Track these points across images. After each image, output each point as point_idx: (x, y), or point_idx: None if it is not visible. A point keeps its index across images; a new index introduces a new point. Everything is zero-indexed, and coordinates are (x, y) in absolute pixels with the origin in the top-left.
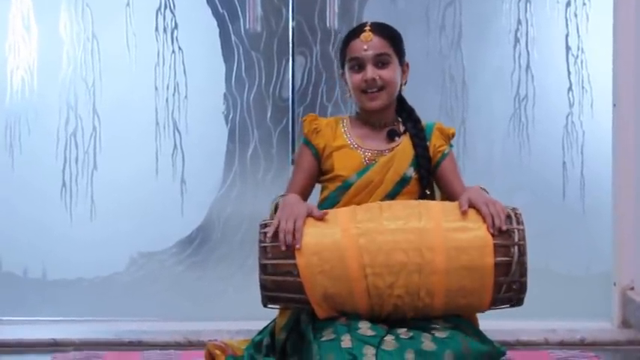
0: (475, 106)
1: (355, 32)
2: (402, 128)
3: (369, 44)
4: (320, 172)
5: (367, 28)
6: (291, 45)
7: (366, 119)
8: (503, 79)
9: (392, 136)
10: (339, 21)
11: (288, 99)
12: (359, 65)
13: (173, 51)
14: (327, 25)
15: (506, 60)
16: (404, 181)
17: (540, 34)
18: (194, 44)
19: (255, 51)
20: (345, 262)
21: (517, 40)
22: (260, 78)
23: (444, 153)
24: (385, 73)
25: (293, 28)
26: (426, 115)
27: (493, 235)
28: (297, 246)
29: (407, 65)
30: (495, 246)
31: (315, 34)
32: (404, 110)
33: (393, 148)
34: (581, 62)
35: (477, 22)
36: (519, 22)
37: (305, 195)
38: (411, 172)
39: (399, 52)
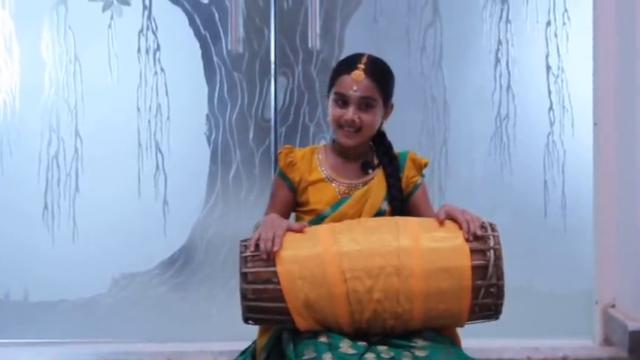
0: (456, 126)
1: (349, 66)
2: (375, 160)
3: (358, 85)
4: (295, 203)
5: (361, 66)
6: (273, 65)
7: (341, 149)
8: (484, 98)
9: (366, 168)
10: (320, 41)
11: (270, 119)
12: (343, 101)
13: (155, 72)
14: (309, 45)
15: (487, 80)
16: (378, 214)
17: (521, 54)
18: (176, 65)
19: (237, 72)
20: (324, 267)
21: (498, 60)
22: (242, 99)
23: (417, 184)
24: (366, 117)
25: (275, 49)
26: (408, 135)
27: (469, 241)
28: (275, 248)
29: (391, 106)
30: (472, 250)
31: (297, 54)
32: (382, 145)
33: (367, 182)
34: (562, 82)
35: (457, 42)
36: (500, 42)
37: None
38: (385, 205)
39: (386, 94)
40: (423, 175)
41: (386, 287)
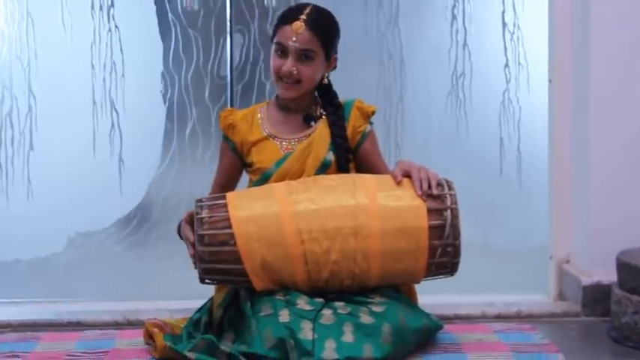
0: (413, 83)
1: (290, 17)
2: (319, 111)
3: (297, 36)
4: (244, 164)
5: (302, 17)
6: (228, 23)
7: (283, 104)
8: (440, 55)
9: (308, 121)
10: None
11: (226, 77)
12: (282, 52)
13: (110, 29)
14: (265, 2)
15: (443, 37)
16: (324, 166)
17: (477, 11)
18: (131, 22)
19: (192, 29)
20: (281, 229)
21: (454, 17)
22: (198, 56)
23: (364, 133)
24: (305, 69)
25: (231, 6)
26: (365, 92)
27: (424, 200)
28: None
29: (335, 59)
30: (429, 210)
31: (252, 11)
32: (328, 94)
33: (309, 135)
34: (518, 39)
35: None
36: None
37: (230, 187)
38: (331, 156)
39: (328, 47)
40: (371, 123)
41: (343, 248)
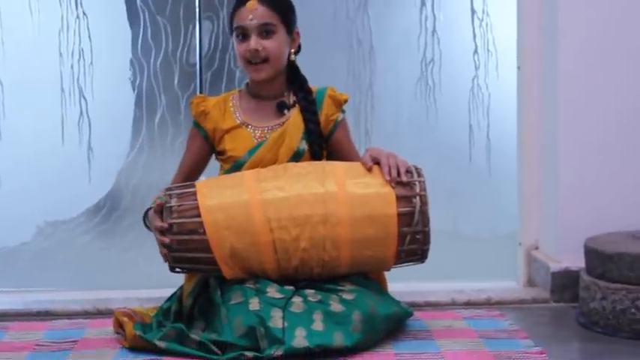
0: (382, 70)
1: (241, 1)
2: (292, 98)
3: (254, 13)
4: (214, 152)
5: None
6: (197, 10)
7: (256, 91)
8: (409, 42)
9: (281, 108)
10: None
11: (195, 64)
12: (243, 35)
13: (77, 16)
14: None
15: (412, 23)
16: (297, 154)
17: None
18: (99, 9)
19: (161, 16)
20: (250, 217)
21: (423, 4)
22: (167, 43)
23: (337, 121)
24: (269, 43)
25: None
26: (334, 79)
27: (393, 187)
28: (167, 240)
29: (297, 34)
30: (398, 197)
31: None
32: (296, 80)
33: (282, 123)
34: (487, 25)
35: None
36: None
37: (194, 175)
38: (304, 145)
39: (287, 21)
40: (343, 111)
41: (312, 236)
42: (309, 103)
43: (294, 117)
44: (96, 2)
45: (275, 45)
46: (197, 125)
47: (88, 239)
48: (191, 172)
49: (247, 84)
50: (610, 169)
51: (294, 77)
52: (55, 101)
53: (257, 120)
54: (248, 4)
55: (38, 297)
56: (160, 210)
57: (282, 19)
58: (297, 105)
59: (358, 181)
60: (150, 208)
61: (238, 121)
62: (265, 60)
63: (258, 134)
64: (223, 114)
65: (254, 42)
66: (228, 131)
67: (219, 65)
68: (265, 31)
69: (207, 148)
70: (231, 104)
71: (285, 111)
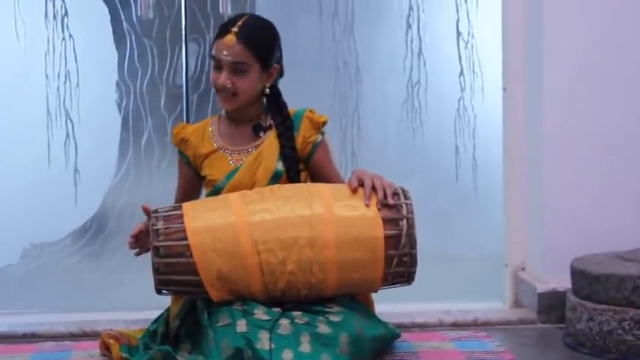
0: (369, 92)
1: (223, 30)
2: (268, 121)
3: (229, 50)
4: (201, 177)
5: (234, 30)
6: (184, 32)
7: (233, 115)
8: (395, 64)
9: (257, 131)
10: (232, 7)
11: (181, 86)
12: (217, 65)
13: (64, 38)
14: (220, 11)
15: (398, 45)
16: (276, 175)
17: (432, 20)
18: (85, 31)
19: (147, 38)
20: (237, 239)
21: (409, 26)
22: (153, 65)
23: (315, 143)
24: (240, 82)
25: (185, 15)
26: (320, 101)
27: (379, 209)
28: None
29: (275, 69)
30: (384, 220)
31: (207, 20)
32: (275, 104)
33: (258, 146)
34: (472, 47)
35: (369, 7)
36: (411, 7)
37: (191, 199)
38: (281, 166)
39: (264, 58)
40: (322, 133)
41: (299, 259)
42: (286, 129)
43: (270, 139)
44: (82, 24)
45: (245, 84)
46: (180, 153)
47: (74, 261)
48: (186, 199)
49: None
50: (596, 189)
51: (273, 102)
52: (42, 123)
53: (234, 144)
54: (226, 39)
55: (24, 319)
56: (147, 212)
57: (258, 58)
58: (272, 127)
59: (345, 204)
60: None
61: (216, 146)
62: (234, 94)
63: (235, 157)
64: (202, 139)
65: (224, 77)
66: (206, 156)
67: (205, 87)
68: (238, 70)
69: (193, 173)
70: (210, 129)
71: (261, 133)
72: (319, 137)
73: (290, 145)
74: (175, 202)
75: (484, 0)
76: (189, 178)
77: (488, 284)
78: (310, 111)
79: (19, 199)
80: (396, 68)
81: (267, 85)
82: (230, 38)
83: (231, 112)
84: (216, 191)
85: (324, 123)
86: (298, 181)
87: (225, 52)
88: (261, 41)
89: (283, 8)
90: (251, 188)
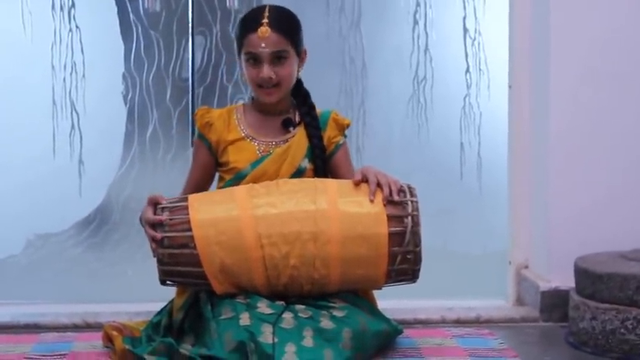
0: (374, 87)
1: (253, 24)
2: (297, 116)
3: (266, 41)
4: (217, 164)
5: (265, 21)
6: (190, 24)
7: (261, 107)
8: (402, 60)
9: (287, 126)
10: (238, 1)
11: (187, 79)
12: (255, 60)
13: (70, 29)
14: (227, 4)
15: (405, 41)
16: (299, 172)
17: (439, 16)
18: (92, 23)
19: (154, 30)
20: (241, 232)
21: (416, 22)
22: (159, 58)
23: (338, 144)
24: (282, 70)
25: (192, 8)
26: (327, 96)
27: (385, 205)
28: (158, 236)
29: (305, 52)
30: (389, 217)
31: (214, 13)
32: (300, 94)
33: (287, 140)
34: (479, 44)
35: (376, 3)
36: (418, 3)
37: (203, 187)
38: (306, 163)
39: (297, 43)
40: (345, 136)
41: (302, 253)
42: (312, 119)
43: (299, 135)
44: (89, 16)
45: (287, 71)
46: (201, 137)
47: (77, 252)
48: (199, 185)
49: (252, 98)
50: (601, 189)
51: (297, 91)
52: (47, 114)
53: (262, 134)
54: (260, 31)
55: (27, 310)
56: (154, 202)
57: (292, 42)
58: (302, 123)
59: (350, 200)
60: None
61: (243, 134)
62: (277, 84)
63: (262, 148)
64: (227, 126)
65: (267, 70)
66: (232, 143)
67: (211, 80)
68: (277, 58)
69: (212, 160)
70: (235, 117)
71: (291, 128)
72: (342, 139)
73: (318, 135)
74: (185, 188)
75: None
76: (207, 163)
77: (491, 282)
78: (335, 113)
79: (24, 189)
80: (402, 64)
81: (300, 69)
82: (264, 29)
83: (269, 105)
84: (239, 178)
85: (348, 125)
86: (324, 175)
87: (263, 45)
88: (292, 26)
89: (290, 3)
90: (274, 180)
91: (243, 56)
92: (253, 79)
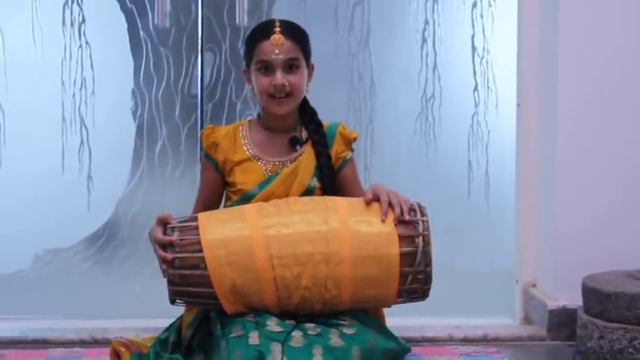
0: (383, 105)
1: (265, 32)
2: (304, 134)
3: (280, 48)
4: (225, 182)
5: (277, 29)
6: (200, 41)
7: (268, 124)
8: (410, 78)
9: (294, 144)
10: (248, 17)
11: (196, 95)
12: (267, 68)
13: (80, 45)
14: (237, 21)
15: (413, 59)
16: (308, 191)
17: (447, 35)
18: (102, 39)
19: (163, 47)
20: (252, 253)
21: (424, 40)
22: (169, 74)
23: (345, 159)
24: (294, 78)
25: (202, 24)
26: (335, 113)
27: (396, 225)
28: (169, 257)
29: (312, 67)
30: (400, 237)
31: (224, 30)
32: (306, 112)
33: (295, 159)
34: (487, 62)
35: (385, 21)
36: (427, 21)
37: (213, 205)
38: (315, 182)
39: (307, 54)
40: (352, 150)
41: (314, 274)
42: (320, 137)
43: (307, 153)
44: (99, 32)
45: (299, 80)
46: (208, 156)
47: (85, 268)
48: (208, 203)
49: (259, 115)
50: (608, 207)
51: (304, 108)
52: (56, 129)
53: (268, 154)
54: (273, 38)
55: (35, 325)
56: (163, 222)
57: (303, 52)
58: (309, 141)
59: (361, 219)
60: None
61: (249, 154)
62: (289, 94)
63: (269, 168)
64: (233, 145)
65: (280, 77)
66: (238, 163)
67: (220, 97)
68: (290, 66)
69: (219, 178)
70: (241, 135)
71: (298, 147)
72: (350, 154)
73: (326, 153)
74: (195, 208)
75: (500, 16)
76: (214, 182)
77: (498, 300)
78: (342, 126)
79: (33, 204)
80: (410, 82)
81: (309, 84)
82: (277, 37)
83: (276, 117)
84: (246, 199)
85: (355, 139)
86: (333, 191)
87: (276, 51)
88: (303, 37)
89: (299, 20)
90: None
91: (253, 66)
92: (265, 88)
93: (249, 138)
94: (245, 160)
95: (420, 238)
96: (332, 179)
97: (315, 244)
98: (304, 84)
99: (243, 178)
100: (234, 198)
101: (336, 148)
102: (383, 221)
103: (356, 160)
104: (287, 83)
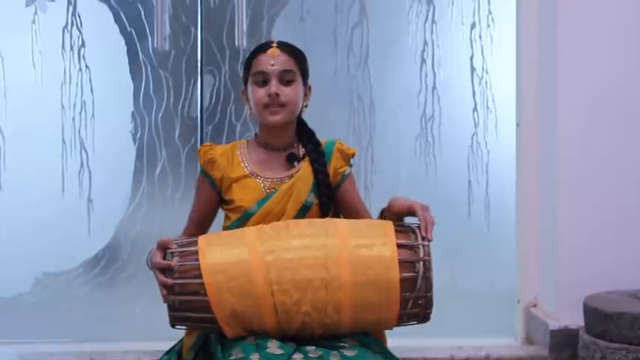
0: (382, 126)
1: (262, 47)
2: (301, 151)
3: (275, 59)
4: (221, 200)
5: (274, 44)
6: (199, 64)
7: (265, 141)
8: (409, 98)
9: (291, 160)
10: (247, 40)
11: (196, 118)
12: (263, 80)
13: (80, 69)
14: (236, 44)
15: (412, 80)
16: (305, 208)
17: (446, 55)
18: (101, 62)
19: (163, 70)
20: (251, 279)
21: (423, 61)
22: (168, 97)
23: (344, 175)
24: (289, 90)
25: (201, 47)
26: (335, 134)
27: (398, 246)
28: (170, 282)
29: (309, 88)
30: (400, 261)
31: (223, 53)
32: (304, 133)
33: (292, 175)
34: (486, 83)
35: (384, 42)
36: (425, 42)
37: (206, 223)
38: (312, 198)
39: (304, 72)
40: (351, 165)
41: (314, 300)
42: (318, 155)
43: (304, 169)
44: (98, 55)
45: (294, 92)
46: (205, 173)
47: (86, 291)
48: (202, 221)
49: (256, 134)
50: (609, 227)
51: (301, 130)
52: (56, 153)
53: (266, 171)
54: (269, 51)
55: (35, 349)
56: (163, 247)
57: (300, 69)
58: (306, 157)
59: (361, 242)
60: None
61: (247, 171)
62: (283, 105)
63: (267, 185)
64: (231, 162)
65: (275, 86)
66: (236, 180)
67: (220, 119)
68: (286, 79)
69: (215, 196)
70: (239, 153)
71: (295, 163)
72: (348, 169)
73: (324, 171)
74: (189, 225)
75: (499, 36)
76: (210, 200)
77: (500, 320)
78: (340, 143)
79: (33, 228)
80: (409, 103)
81: (305, 104)
82: (274, 50)
83: (271, 132)
84: (246, 217)
85: (353, 155)
86: (329, 210)
87: (272, 62)
88: (299, 55)
89: (298, 41)
90: (280, 218)
91: (250, 79)
92: (260, 99)
93: (247, 156)
94: (243, 177)
95: (421, 263)
96: (329, 197)
97: (315, 269)
98: (299, 98)
99: (242, 195)
100: (234, 217)
101: (335, 164)
102: (423, 238)
103: (355, 178)
104: (281, 92)
